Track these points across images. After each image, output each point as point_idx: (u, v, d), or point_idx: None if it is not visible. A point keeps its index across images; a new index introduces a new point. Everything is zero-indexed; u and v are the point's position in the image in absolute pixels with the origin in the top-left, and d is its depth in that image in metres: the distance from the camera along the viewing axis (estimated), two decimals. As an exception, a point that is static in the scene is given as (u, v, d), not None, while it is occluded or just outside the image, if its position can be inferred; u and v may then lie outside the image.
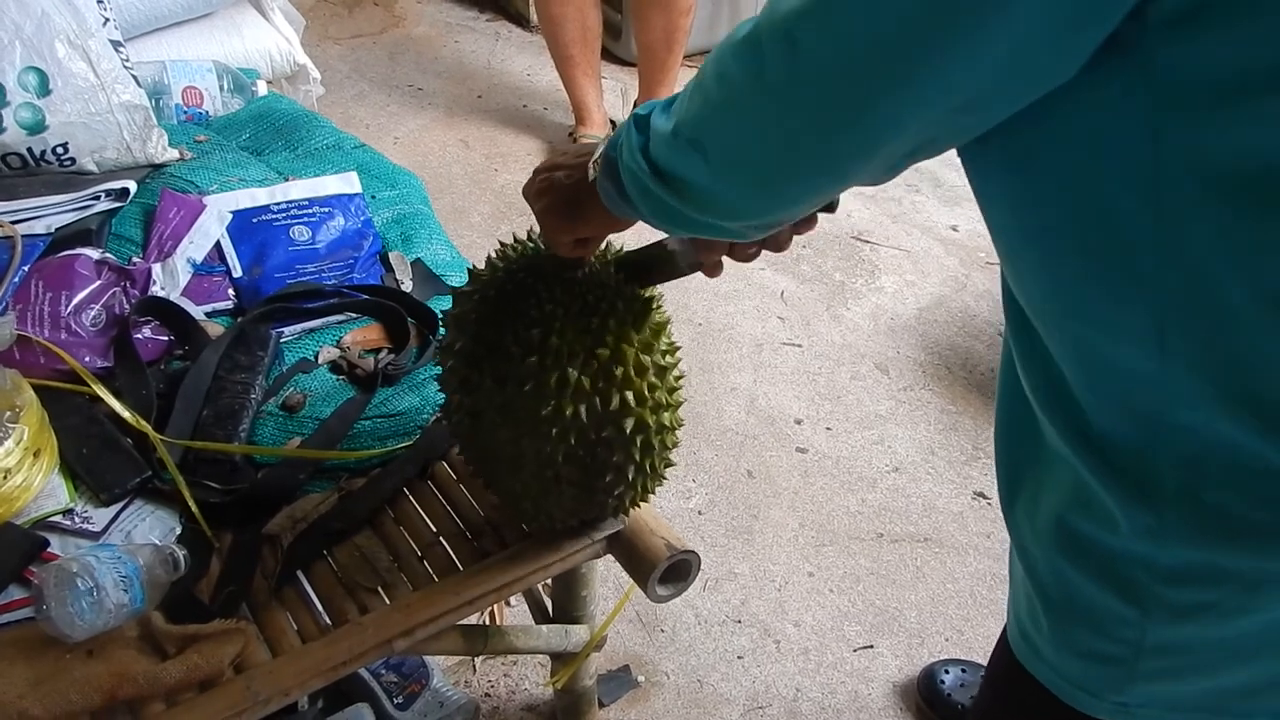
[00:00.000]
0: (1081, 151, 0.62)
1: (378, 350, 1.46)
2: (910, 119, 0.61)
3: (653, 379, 1.08)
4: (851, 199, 3.07)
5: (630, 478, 1.12)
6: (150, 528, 1.21)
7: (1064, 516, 0.80)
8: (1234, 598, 0.73)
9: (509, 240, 1.14)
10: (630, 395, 1.06)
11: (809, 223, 0.93)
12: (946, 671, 1.81)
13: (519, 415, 1.06)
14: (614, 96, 3.47)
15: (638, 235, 1.09)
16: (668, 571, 1.22)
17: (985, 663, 1.23)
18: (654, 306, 1.10)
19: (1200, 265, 0.61)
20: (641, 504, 1.22)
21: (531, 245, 1.13)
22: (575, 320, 1.04)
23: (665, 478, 1.19)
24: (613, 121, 3.26)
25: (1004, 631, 1.01)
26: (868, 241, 2.96)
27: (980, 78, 0.57)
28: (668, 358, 1.12)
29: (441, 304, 1.52)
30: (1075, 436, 0.76)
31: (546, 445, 1.06)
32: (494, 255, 1.15)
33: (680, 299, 2.61)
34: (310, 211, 1.62)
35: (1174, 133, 0.58)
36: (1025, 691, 0.92)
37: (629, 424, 1.07)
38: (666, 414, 1.12)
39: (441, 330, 1.21)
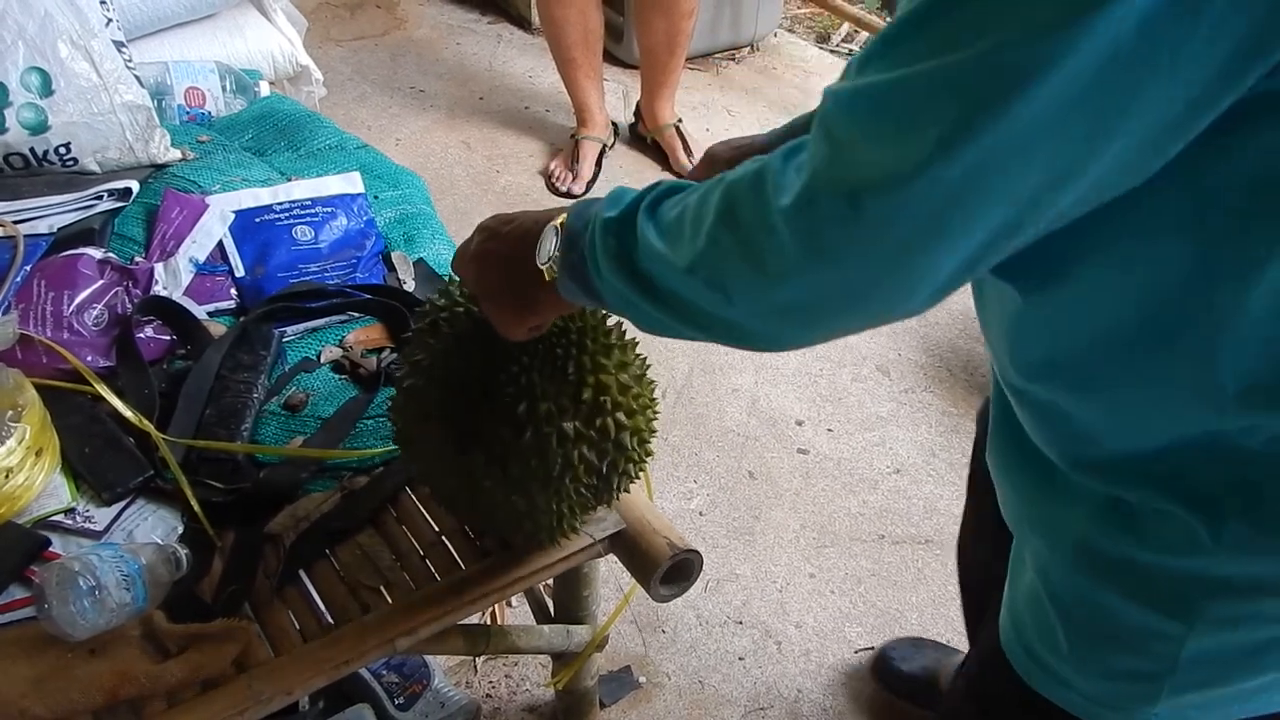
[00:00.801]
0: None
1: (380, 350, 1.46)
2: (979, 265, 0.60)
3: (634, 388, 1.10)
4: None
5: (632, 473, 1.15)
6: (152, 527, 1.21)
7: (1091, 540, 0.80)
8: (1276, 603, 0.74)
9: None
10: (621, 415, 1.08)
11: None
12: (894, 649, 1.84)
13: (525, 481, 1.06)
14: (615, 99, 3.47)
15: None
16: (670, 571, 1.22)
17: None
18: (603, 316, 1.10)
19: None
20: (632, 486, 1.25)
21: None
22: (552, 376, 1.04)
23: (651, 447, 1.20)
24: (615, 124, 3.26)
25: (988, 656, 1.01)
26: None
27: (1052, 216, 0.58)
28: (632, 354, 1.12)
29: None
30: (1108, 472, 0.76)
31: (558, 495, 1.09)
32: (438, 299, 1.12)
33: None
34: (313, 211, 1.62)
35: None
36: (1031, 714, 0.92)
37: (626, 437, 1.09)
38: (650, 409, 1.14)
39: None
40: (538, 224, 0.91)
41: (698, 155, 3.03)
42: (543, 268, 0.86)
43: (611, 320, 1.11)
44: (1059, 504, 0.82)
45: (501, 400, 1.03)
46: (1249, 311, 0.63)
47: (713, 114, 3.49)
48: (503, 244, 0.93)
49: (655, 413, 1.15)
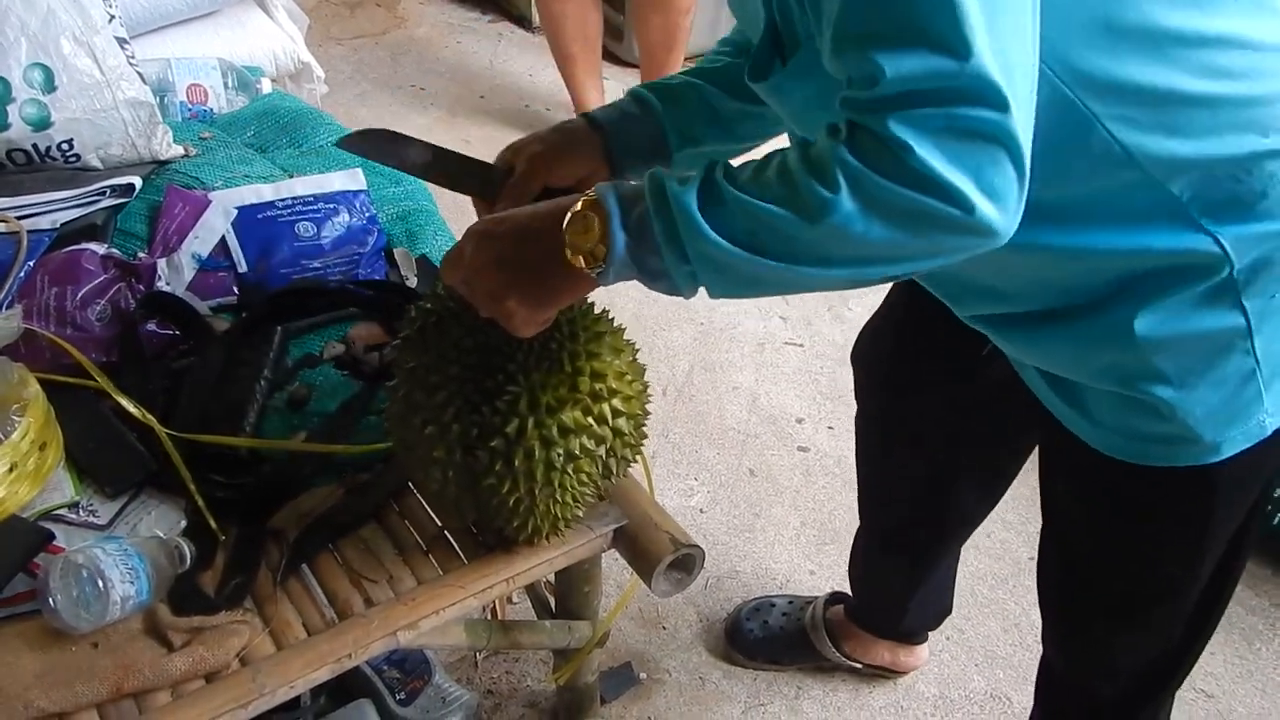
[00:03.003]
0: None
1: (382, 346, 1.46)
2: None
3: (628, 374, 1.12)
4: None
5: (630, 457, 1.17)
6: (156, 521, 1.21)
7: (1145, 316, 0.93)
8: None
9: None
10: (618, 402, 1.10)
11: None
12: (748, 619, 1.90)
13: (530, 477, 1.07)
14: (616, 96, 3.46)
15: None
16: (672, 567, 1.23)
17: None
18: (589, 304, 1.12)
19: None
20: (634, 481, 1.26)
21: None
22: (550, 370, 1.05)
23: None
24: None
25: (1077, 487, 1.16)
26: (869, 242, 2.96)
27: None
28: (622, 339, 1.13)
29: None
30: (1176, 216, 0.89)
31: (561, 486, 1.10)
32: (424, 304, 1.12)
33: (682, 299, 2.60)
34: (315, 207, 1.62)
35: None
36: (1148, 487, 1.05)
37: (623, 423, 1.11)
38: (642, 393, 1.16)
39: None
40: (538, 216, 0.93)
41: None
42: (582, 258, 0.88)
43: (598, 308, 1.13)
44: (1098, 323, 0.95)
45: (501, 399, 1.04)
46: None
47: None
48: (504, 245, 0.93)
49: (647, 396, 1.17)
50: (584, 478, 1.11)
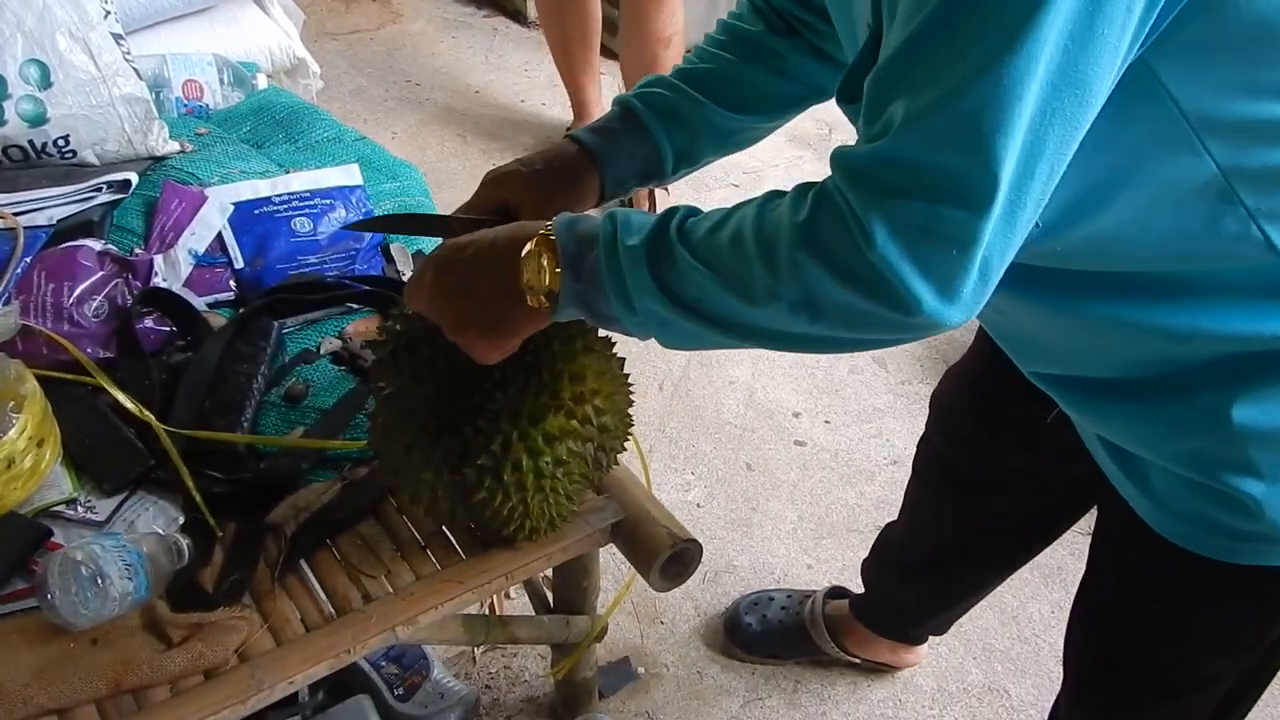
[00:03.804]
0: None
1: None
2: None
3: (607, 371, 1.12)
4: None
5: (620, 447, 1.18)
6: (153, 517, 1.21)
7: (1245, 404, 0.85)
8: None
9: None
10: (599, 401, 1.10)
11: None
12: (746, 613, 1.89)
13: (520, 487, 1.07)
14: (612, 93, 3.47)
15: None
16: (669, 561, 1.23)
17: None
18: None
19: None
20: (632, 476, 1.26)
21: None
22: (528, 382, 1.05)
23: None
24: None
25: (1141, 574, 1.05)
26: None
27: None
28: (594, 335, 1.12)
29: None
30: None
31: (553, 490, 1.10)
32: (394, 325, 1.11)
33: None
34: (312, 203, 1.62)
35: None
36: (1209, 579, 0.96)
37: (609, 420, 1.12)
38: (624, 384, 1.16)
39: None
40: (497, 248, 0.90)
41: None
42: (531, 298, 0.87)
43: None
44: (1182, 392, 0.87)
45: (483, 417, 1.04)
46: None
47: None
48: (465, 274, 0.92)
49: (630, 387, 1.17)
50: (575, 476, 1.11)
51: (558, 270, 0.85)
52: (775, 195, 0.80)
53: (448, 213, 1.10)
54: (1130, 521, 0.99)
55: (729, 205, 0.82)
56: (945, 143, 0.66)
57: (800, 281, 0.73)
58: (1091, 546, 1.18)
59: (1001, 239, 0.69)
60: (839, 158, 0.73)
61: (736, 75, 1.09)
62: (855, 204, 0.70)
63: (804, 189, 0.76)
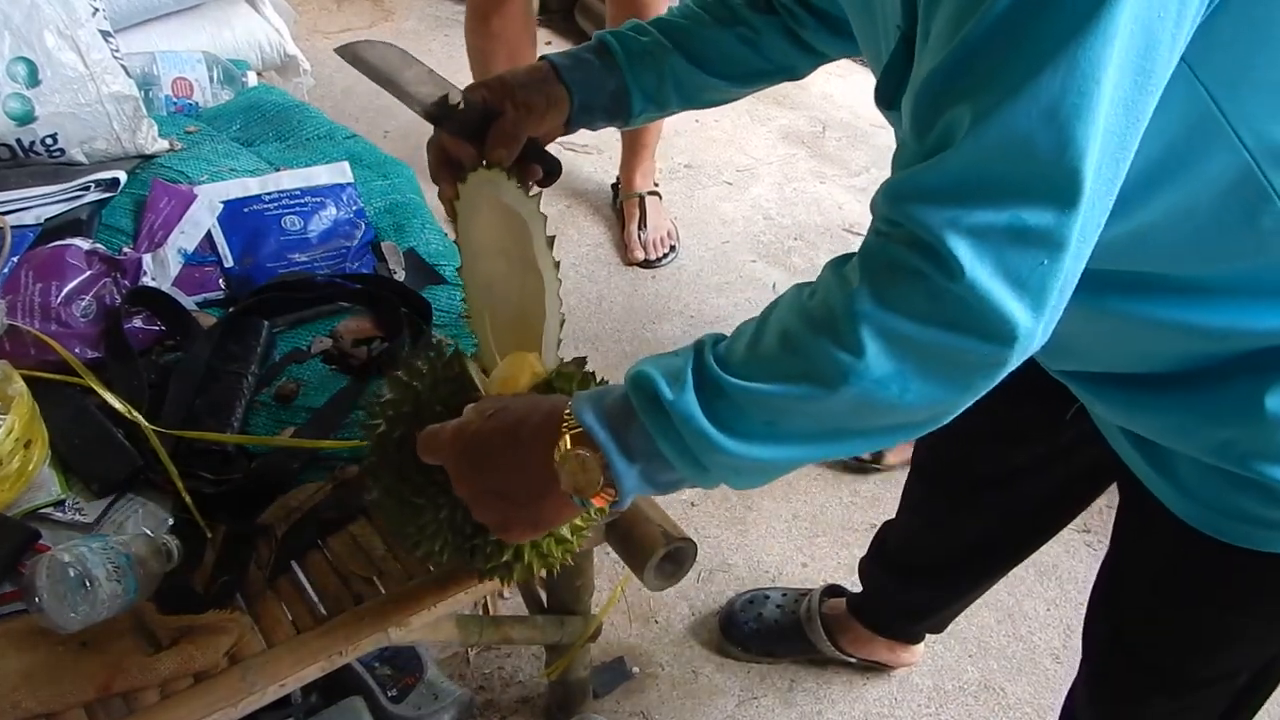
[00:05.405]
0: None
1: (370, 340, 1.45)
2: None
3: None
4: (842, 191, 3.07)
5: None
6: (143, 519, 1.20)
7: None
8: None
9: None
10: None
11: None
12: (742, 611, 1.88)
13: (538, 545, 1.04)
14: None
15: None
16: (664, 560, 1.22)
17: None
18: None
19: None
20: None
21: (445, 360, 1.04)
22: None
23: None
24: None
25: (1164, 563, 1.05)
26: (859, 234, 2.96)
27: None
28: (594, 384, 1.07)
29: (434, 293, 1.51)
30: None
31: (567, 546, 1.07)
32: (377, 424, 1.04)
33: (671, 291, 2.60)
34: (302, 201, 1.61)
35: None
36: (1239, 570, 0.95)
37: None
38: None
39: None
40: (521, 446, 0.84)
41: (652, 229, 2.71)
42: (591, 505, 0.81)
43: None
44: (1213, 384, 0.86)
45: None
46: None
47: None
48: (493, 477, 0.86)
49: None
50: (584, 534, 1.08)
51: (604, 464, 0.77)
52: (802, 286, 0.75)
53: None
54: (1154, 510, 0.98)
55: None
56: (1024, 139, 0.62)
57: (888, 342, 0.68)
58: (1114, 532, 1.17)
59: (1082, 244, 0.66)
60: (895, 190, 0.68)
61: (708, 35, 1.10)
62: (930, 232, 0.65)
63: (840, 261, 0.72)
